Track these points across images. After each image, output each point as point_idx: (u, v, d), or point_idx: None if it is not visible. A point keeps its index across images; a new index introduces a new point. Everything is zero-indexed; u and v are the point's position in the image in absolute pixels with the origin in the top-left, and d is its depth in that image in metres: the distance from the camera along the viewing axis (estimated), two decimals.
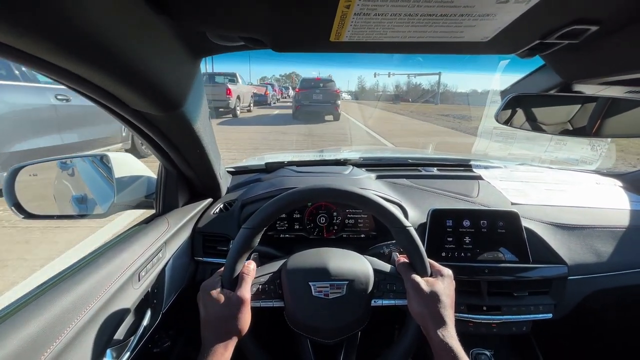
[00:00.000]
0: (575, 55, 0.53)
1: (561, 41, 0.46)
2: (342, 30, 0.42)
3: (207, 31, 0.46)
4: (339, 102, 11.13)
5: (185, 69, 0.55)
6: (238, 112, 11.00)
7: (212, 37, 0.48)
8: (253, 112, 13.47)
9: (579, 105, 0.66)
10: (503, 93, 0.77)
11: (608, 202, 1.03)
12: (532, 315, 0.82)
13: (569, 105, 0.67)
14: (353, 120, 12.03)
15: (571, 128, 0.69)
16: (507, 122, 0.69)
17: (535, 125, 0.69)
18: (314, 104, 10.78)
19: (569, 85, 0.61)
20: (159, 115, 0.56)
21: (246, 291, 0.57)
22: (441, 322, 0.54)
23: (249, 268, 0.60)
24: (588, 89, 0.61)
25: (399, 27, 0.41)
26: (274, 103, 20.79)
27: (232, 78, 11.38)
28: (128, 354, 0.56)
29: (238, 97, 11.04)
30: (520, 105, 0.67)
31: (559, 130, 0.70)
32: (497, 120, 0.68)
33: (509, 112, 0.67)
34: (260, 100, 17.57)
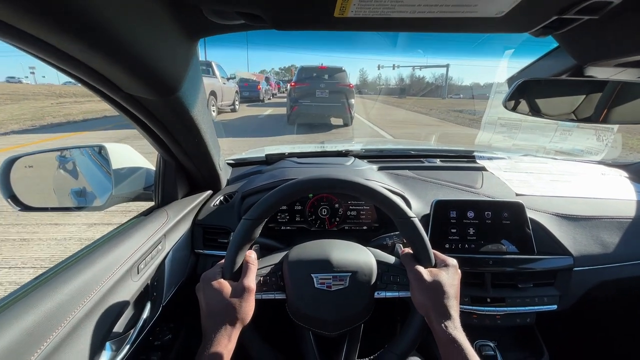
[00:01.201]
0: (592, 34, 0.51)
1: (580, 17, 0.43)
2: (347, 3, 0.39)
3: (202, 5, 0.44)
4: (353, 100, 7.67)
5: (181, 51, 0.52)
6: (213, 113, 8.22)
7: (208, 13, 0.45)
8: (239, 112, 10.52)
9: (589, 91, 0.64)
10: (511, 80, 0.75)
11: (614, 193, 1.01)
12: (536, 307, 0.81)
13: (578, 91, 0.65)
14: (358, 117, 9.59)
15: (580, 114, 0.67)
16: (515, 108, 0.67)
17: (544, 112, 0.67)
18: (316, 104, 7.40)
19: (581, 69, 0.59)
20: (154, 100, 0.54)
21: (251, 280, 0.56)
22: (445, 313, 0.52)
23: (252, 257, 0.59)
24: (601, 72, 0.59)
25: (408, 0, 0.38)
26: (268, 99, 17.46)
27: (206, 68, 8.68)
28: (128, 346, 0.56)
29: (213, 94, 8.36)
30: (529, 91, 0.64)
31: (567, 117, 0.68)
32: (505, 107, 0.66)
33: (517, 98, 0.65)
34: (250, 96, 14.50)
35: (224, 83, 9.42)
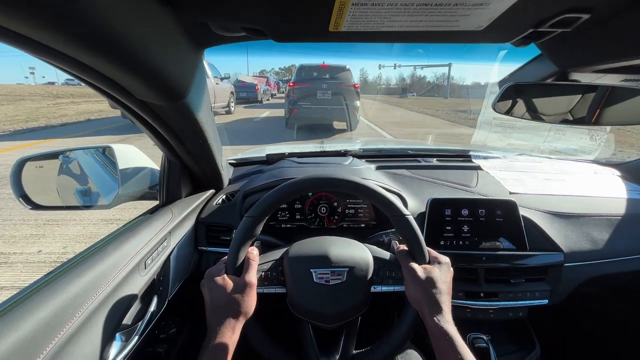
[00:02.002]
0: (570, 44, 0.54)
1: (554, 29, 0.46)
2: (340, 20, 0.43)
3: (210, 22, 0.47)
4: (358, 103, 6.83)
5: (188, 60, 0.55)
6: None
7: (215, 27, 0.49)
8: (235, 115, 9.78)
9: (578, 95, 0.67)
10: (501, 83, 0.78)
11: (605, 191, 1.04)
12: (528, 302, 0.84)
13: (567, 94, 0.68)
14: (362, 120, 8.65)
15: (570, 117, 0.70)
16: (506, 111, 0.69)
17: (533, 115, 0.69)
18: (317, 107, 6.57)
19: (565, 74, 0.62)
20: (163, 105, 0.57)
21: (252, 276, 0.59)
22: (437, 308, 0.55)
23: (253, 254, 0.62)
24: (584, 77, 0.62)
25: (396, 16, 0.42)
26: (267, 100, 16.59)
27: None
28: (136, 338, 0.58)
29: None
30: (518, 94, 0.67)
31: (558, 119, 0.71)
32: (494, 110, 0.68)
33: (506, 101, 0.68)
34: (248, 97, 13.90)
35: (217, 83, 8.79)
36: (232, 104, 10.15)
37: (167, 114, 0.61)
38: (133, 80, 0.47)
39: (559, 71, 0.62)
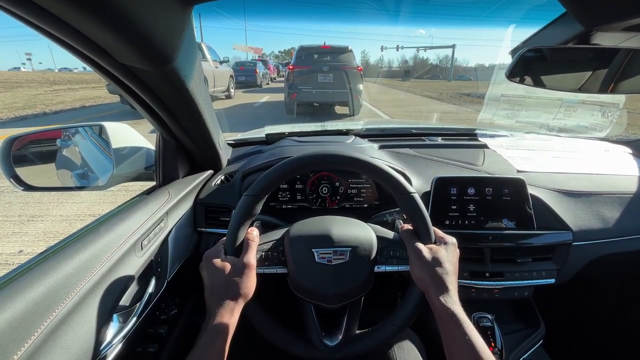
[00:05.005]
0: None
1: None
2: None
3: None
4: (361, 86, 6.54)
5: (175, 19, 0.51)
6: None
7: None
8: (234, 100, 9.64)
9: (597, 61, 0.62)
10: (514, 51, 0.73)
11: (616, 169, 1.01)
12: (534, 281, 0.82)
13: (586, 61, 0.63)
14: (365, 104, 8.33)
15: (587, 85, 0.65)
16: (519, 80, 0.65)
17: (548, 83, 0.65)
18: (318, 91, 6.34)
19: (588, 36, 0.57)
20: (149, 71, 0.53)
21: (251, 257, 0.57)
22: (443, 288, 0.53)
23: (253, 234, 0.60)
24: (608, 38, 0.57)
25: None
26: (267, 84, 16.63)
27: None
28: (135, 319, 0.57)
29: (204, 79, 7.01)
30: (533, 61, 0.62)
31: (573, 87, 0.66)
32: (507, 78, 0.64)
33: (521, 69, 0.63)
34: (247, 81, 13.93)
35: (216, 67, 8.58)
36: (232, 88, 9.99)
37: (154, 81, 0.58)
38: (114, 39, 0.43)
39: (582, 32, 0.57)
